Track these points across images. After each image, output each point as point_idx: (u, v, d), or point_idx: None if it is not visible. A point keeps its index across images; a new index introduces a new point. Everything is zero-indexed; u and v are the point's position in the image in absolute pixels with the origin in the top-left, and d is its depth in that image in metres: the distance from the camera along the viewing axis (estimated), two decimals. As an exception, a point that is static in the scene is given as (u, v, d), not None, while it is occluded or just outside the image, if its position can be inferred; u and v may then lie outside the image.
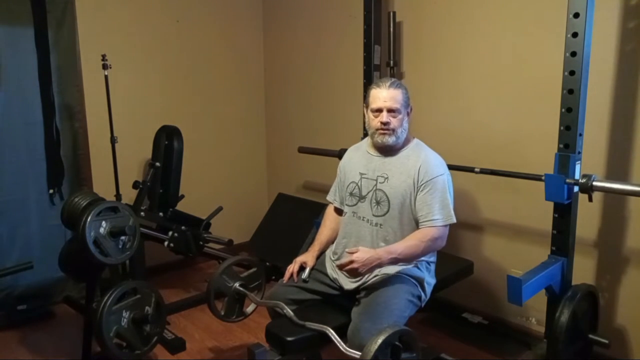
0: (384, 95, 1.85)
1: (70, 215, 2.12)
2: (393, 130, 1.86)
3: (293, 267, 1.99)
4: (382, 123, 1.85)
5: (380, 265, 1.76)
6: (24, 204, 2.86)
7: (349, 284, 1.91)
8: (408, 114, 1.90)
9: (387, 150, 1.93)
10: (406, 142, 1.94)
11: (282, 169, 3.90)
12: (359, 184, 1.97)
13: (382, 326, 1.57)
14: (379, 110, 1.86)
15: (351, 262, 1.71)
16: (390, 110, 1.85)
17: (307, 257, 2.03)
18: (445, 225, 1.84)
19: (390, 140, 1.87)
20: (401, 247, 1.79)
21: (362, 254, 1.72)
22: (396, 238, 1.86)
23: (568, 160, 1.88)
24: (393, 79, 1.90)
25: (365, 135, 2.79)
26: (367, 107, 1.93)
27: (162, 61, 3.33)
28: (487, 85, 2.54)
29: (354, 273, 1.75)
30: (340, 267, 1.76)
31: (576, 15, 1.81)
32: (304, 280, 1.95)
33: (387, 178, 1.89)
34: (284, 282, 1.99)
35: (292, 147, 3.49)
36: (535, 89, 2.36)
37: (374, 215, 1.90)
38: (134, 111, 3.21)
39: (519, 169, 2.26)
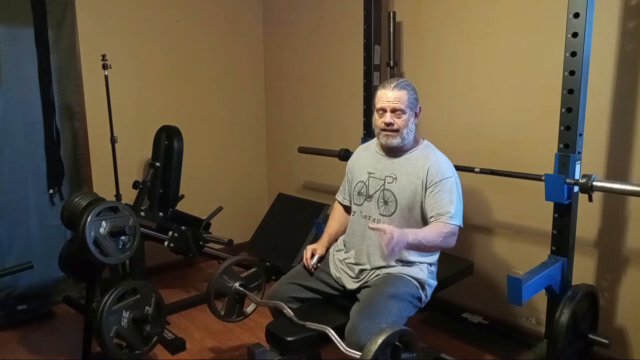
0: (388, 95, 1.84)
1: (70, 215, 2.12)
2: (397, 130, 1.85)
3: (306, 254, 1.99)
4: (385, 124, 1.85)
5: (405, 245, 1.65)
6: (23, 204, 2.86)
7: (351, 283, 1.91)
8: (416, 115, 1.89)
9: (395, 151, 1.92)
10: (415, 143, 1.93)
11: (282, 169, 3.90)
12: (367, 183, 1.96)
13: (380, 325, 1.57)
14: (383, 110, 1.86)
15: (385, 231, 1.60)
16: (394, 111, 1.84)
17: (318, 246, 2.04)
18: (456, 225, 1.80)
19: (394, 141, 1.86)
20: (426, 232, 1.74)
21: (392, 229, 1.62)
22: None
23: (568, 160, 1.88)
24: (401, 80, 1.88)
25: (366, 135, 2.81)
26: (374, 107, 1.93)
27: (162, 61, 3.33)
28: (487, 85, 2.54)
29: (387, 244, 1.58)
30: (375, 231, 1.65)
31: (576, 15, 1.81)
32: (313, 267, 1.97)
33: (395, 178, 1.89)
34: (302, 267, 2.02)
35: (292, 147, 3.49)
36: (535, 88, 2.36)
37: (381, 214, 1.89)
38: (134, 111, 3.21)
39: (519, 169, 2.26)
